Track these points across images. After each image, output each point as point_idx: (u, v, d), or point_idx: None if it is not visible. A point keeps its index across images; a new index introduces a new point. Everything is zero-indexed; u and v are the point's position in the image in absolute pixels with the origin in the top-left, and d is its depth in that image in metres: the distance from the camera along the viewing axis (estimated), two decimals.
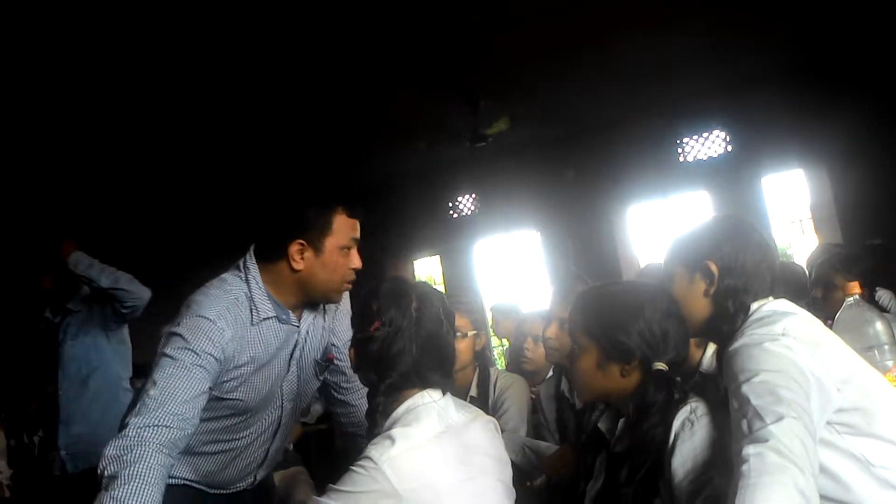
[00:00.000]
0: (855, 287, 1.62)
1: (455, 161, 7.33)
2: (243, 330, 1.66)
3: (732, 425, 1.23)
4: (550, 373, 2.71)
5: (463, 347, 2.35)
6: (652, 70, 5.63)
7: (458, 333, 2.30)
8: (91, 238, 3.45)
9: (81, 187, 6.02)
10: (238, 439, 1.77)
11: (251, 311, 1.68)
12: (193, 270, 1.93)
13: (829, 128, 5.54)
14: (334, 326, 1.91)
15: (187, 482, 1.75)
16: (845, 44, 5.55)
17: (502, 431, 1.69)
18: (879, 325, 1.57)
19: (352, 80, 5.06)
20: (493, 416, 2.27)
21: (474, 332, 2.40)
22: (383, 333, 1.42)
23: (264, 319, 1.70)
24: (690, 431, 1.33)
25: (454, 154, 6.91)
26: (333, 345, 1.92)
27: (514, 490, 1.52)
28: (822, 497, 1.18)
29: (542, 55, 5.07)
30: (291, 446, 3.74)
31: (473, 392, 2.41)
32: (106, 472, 1.41)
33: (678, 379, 1.45)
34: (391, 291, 1.47)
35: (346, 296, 1.92)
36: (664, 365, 1.42)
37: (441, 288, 8.52)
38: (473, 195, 8.12)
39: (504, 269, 8.20)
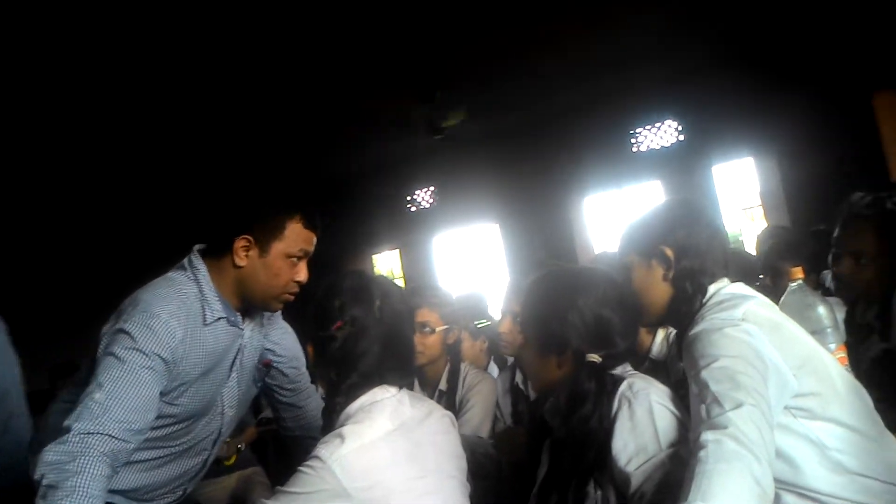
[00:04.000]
0: (798, 272, 1.65)
1: (412, 154, 7.30)
2: (195, 331, 1.60)
3: (692, 410, 1.23)
4: (492, 364, 2.72)
5: (431, 343, 2.32)
6: (605, 62, 5.67)
7: (427, 329, 2.28)
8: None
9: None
10: (175, 447, 1.69)
11: (203, 311, 1.62)
12: (137, 270, 1.85)
13: (777, 117, 5.67)
14: (268, 331, 1.86)
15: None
16: (790, 37, 5.67)
17: (464, 430, 1.68)
18: (822, 310, 1.59)
19: (306, 74, 4.99)
20: (459, 411, 2.27)
21: (444, 326, 2.37)
22: (346, 332, 1.40)
23: (217, 319, 1.64)
24: (629, 410, 1.29)
25: (411, 147, 6.88)
26: (269, 349, 1.87)
27: (468, 485, 1.51)
28: (777, 481, 1.19)
29: (497, 48, 5.06)
30: (243, 446, 3.69)
31: (443, 386, 2.39)
32: (44, 481, 1.32)
33: (613, 372, 1.41)
34: (354, 288, 1.44)
35: None
36: (598, 357, 1.38)
37: (401, 282, 8.49)
38: (431, 188, 8.10)
39: (463, 262, 8.21)
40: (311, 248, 1.70)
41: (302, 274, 1.68)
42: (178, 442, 1.69)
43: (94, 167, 5.83)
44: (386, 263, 8.71)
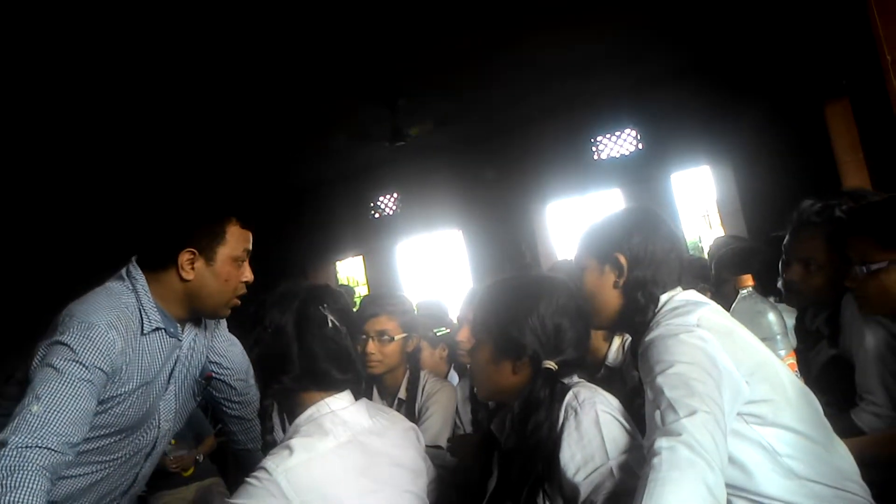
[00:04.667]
0: (748, 280, 1.67)
1: (376, 161, 7.28)
2: (133, 341, 1.58)
3: (647, 416, 1.23)
4: (452, 372, 2.71)
5: (389, 351, 2.29)
6: (565, 71, 5.74)
7: (385, 337, 2.26)
8: None
9: None
10: (107, 461, 1.65)
11: (141, 321, 1.60)
12: (69, 282, 1.81)
13: (733, 127, 5.81)
14: (213, 343, 1.85)
15: None
16: (744, 49, 5.80)
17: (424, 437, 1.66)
18: (772, 317, 1.61)
19: (268, 82, 4.94)
20: (419, 419, 2.25)
21: (404, 335, 2.35)
22: (266, 336, 1.41)
23: (155, 330, 1.62)
24: (575, 420, 1.28)
25: (374, 154, 6.86)
26: (213, 361, 1.86)
27: (427, 500, 1.49)
28: (729, 486, 1.20)
29: (460, 56, 5.08)
30: (202, 457, 3.62)
31: (402, 394, 2.37)
32: None
33: (566, 381, 1.41)
34: (279, 294, 1.45)
35: None
36: (553, 364, 1.38)
37: (364, 289, 8.44)
38: (395, 195, 8.08)
39: (427, 268, 8.21)
40: (251, 247, 1.72)
41: (247, 274, 1.70)
42: (110, 456, 1.65)
43: (40, 178, 5.69)
44: (349, 270, 8.66)
